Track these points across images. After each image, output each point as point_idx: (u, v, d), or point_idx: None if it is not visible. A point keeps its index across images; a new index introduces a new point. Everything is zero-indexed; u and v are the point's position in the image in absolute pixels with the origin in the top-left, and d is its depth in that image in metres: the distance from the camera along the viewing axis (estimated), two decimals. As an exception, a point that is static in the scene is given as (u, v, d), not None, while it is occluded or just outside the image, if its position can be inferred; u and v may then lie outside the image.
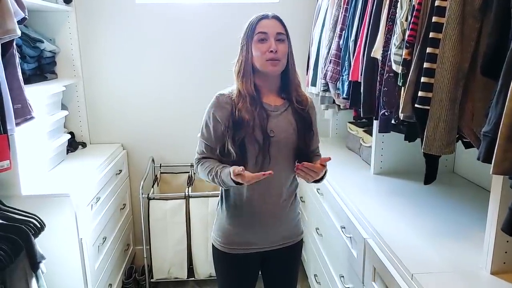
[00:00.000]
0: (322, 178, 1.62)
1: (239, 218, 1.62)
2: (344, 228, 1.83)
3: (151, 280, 2.88)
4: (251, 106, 1.53)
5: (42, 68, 2.64)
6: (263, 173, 1.41)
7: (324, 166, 1.52)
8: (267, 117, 1.54)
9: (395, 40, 1.57)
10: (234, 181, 1.45)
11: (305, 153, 1.61)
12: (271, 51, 1.50)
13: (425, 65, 1.32)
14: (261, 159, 1.53)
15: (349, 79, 2.05)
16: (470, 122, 1.28)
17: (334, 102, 2.49)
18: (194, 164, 1.66)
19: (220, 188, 1.66)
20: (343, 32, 2.22)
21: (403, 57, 1.50)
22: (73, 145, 2.85)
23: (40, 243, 1.75)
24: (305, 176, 1.51)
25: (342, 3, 2.27)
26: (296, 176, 1.63)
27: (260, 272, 1.79)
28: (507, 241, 1.21)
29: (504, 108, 0.96)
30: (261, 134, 1.52)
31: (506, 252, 1.23)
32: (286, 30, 1.57)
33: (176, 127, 3.07)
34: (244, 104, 1.53)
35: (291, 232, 1.68)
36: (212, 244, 1.71)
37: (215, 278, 1.80)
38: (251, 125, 1.51)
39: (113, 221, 2.69)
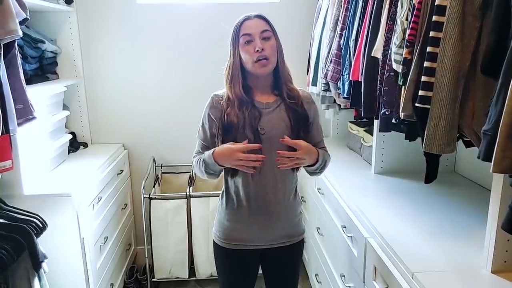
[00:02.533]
0: (319, 169, 1.62)
1: (237, 215, 1.64)
2: (345, 227, 1.83)
3: (153, 279, 2.89)
4: (239, 109, 1.55)
5: (44, 69, 2.64)
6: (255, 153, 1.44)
7: (302, 148, 1.49)
8: (259, 115, 1.56)
9: (396, 39, 1.57)
10: (215, 160, 1.50)
11: None
12: (257, 50, 1.51)
13: (426, 64, 1.32)
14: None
15: (350, 79, 2.05)
16: (470, 121, 1.28)
17: (334, 101, 2.49)
18: (192, 164, 1.68)
19: (222, 184, 1.69)
20: (344, 31, 2.22)
21: (403, 56, 1.51)
22: (75, 145, 2.86)
23: (42, 243, 1.76)
24: (290, 163, 1.50)
25: (343, 2, 2.27)
26: (294, 172, 1.65)
27: (261, 270, 1.79)
28: (508, 240, 1.21)
29: (504, 107, 0.96)
30: (251, 133, 1.54)
31: (506, 251, 1.23)
32: (271, 27, 1.57)
33: (177, 127, 3.08)
34: (233, 108, 1.56)
35: (290, 231, 1.69)
36: (213, 240, 1.73)
37: (216, 277, 1.81)
38: (241, 126, 1.53)
39: (115, 221, 2.70)
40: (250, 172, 1.49)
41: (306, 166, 1.61)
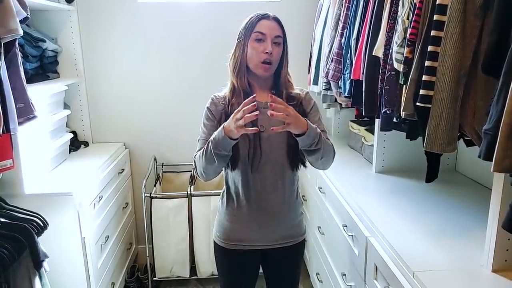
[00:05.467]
0: (314, 144, 1.47)
1: (237, 215, 1.64)
2: (346, 226, 1.83)
3: (154, 278, 2.89)
4: (244, 100, 1.54)
5: (44, 68, 2.65)
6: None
7: (289, 107, 1.39)
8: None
9: (397, 38, 1.57)
10: (225, 132, 1.41)
11: (298, 148, 1.57)
12: (266, 53, 1.52)
13: (427, 63, 1.32)
14: (252, 154, 1.55)
15: (351, 78, 2.05)
16: (471, 120, 1.28)
17: (336, 100, 2.49)
18: (192, 162, 1.64)
19: (223, 184, 1.69)
20: (345, 30, 2.22)
21: (404, 55, 1.51)
22: (75, 144, 2.86)
23: (43, 242, 1.76)
24: (282, 116, 1.37)
25: (344, 1, 2.27)
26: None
27: (262, 270, 1.79)
28: (508, 239, 1.21)
29: (504, 106, 0.96)
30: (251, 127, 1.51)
31: (507, 250, 1.23)
32: (284, 33, 1.58)
33: (179, 126, 3.08)
34: (238, 99, 1.56)
35: (291, 232, 1.68)
36: (213, 240, 1.73)
37: (217, 276, 1.81)
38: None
39: (116, 220, 2.70)
40: (253, 131, 1.40)
41: (297, 136, 1.45)
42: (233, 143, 1.45)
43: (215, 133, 1.47)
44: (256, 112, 1.36)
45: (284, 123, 1.39)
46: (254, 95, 1.40)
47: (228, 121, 1.42)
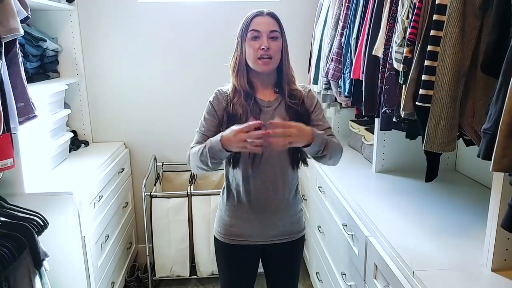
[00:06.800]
0: (320, 151, 1.48)
1: (238, 211, 1.65)
2: (346, 225, 1.84)
3: (154, 278, 2.89)
4: (245, 101, 1.57)
5: (45, 67, 2.65)
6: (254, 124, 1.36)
7: (292, 125, 1.39)
8: (259, 112, 1.57)
9: (396, 38, 1.57)
10: (222, 145, 1.41)
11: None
12: (262, 49, 1.52)
13: (426, 63, 1.32)
14: (254, 153, 1.54)
15: (351, 77, 2.05)
16: (471, 120, 1.29)
17: (335, 100, 2.49)
18: (187, 155, 1.62)
19: (223, 182, 1.70)
20: (345, 30, 2.22)
21: (404, 55, 1.51)
22: (76, 143, 2.86)
23: (43, 241, 1.76)
24: (282, 141, 1.37)
25: (344, 1, 2.27)
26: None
27: (262, 268, 1.80)
28: (508, 238, 1.21)
29: (503, 106, 0.96)
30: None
31: (507, 249, 1.23)
32: (280, 27, 1.58)
33: (179, 126, 3.08)
34: (239, 99, 1.57)
35: (290, 228, 1.69)
36: (214, 235, 1.74)
37: (217, 276, 1.82)
38: (244, 120, 1.52)
39: (116, 219, 2.71)
40: (258, 151, 1.40)
41: (304, 147, 1.46)
42: (229, 154, 1.47)
43: (213, 140, 1.45)
44: (261, 148, 1.36)
45: (285, 119, 1.43)
46: (260, 121, 1.38)
47: (227, 134, 1.40)
